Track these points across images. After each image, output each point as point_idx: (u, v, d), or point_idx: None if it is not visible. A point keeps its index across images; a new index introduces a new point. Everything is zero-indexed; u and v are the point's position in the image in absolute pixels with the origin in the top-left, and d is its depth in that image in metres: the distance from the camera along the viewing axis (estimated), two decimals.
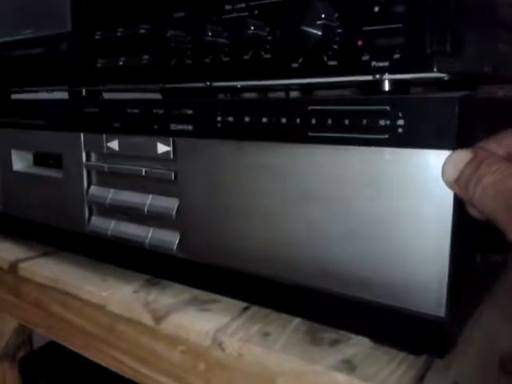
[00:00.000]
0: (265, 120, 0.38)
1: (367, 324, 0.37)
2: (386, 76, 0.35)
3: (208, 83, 0.44)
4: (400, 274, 0.34)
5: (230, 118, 0.40)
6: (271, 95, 0.61)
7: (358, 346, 0.39)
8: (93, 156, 0.53)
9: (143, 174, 0.48)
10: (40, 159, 0.62)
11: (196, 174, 0.44)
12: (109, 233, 0.52)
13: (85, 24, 0.50)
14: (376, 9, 0.32)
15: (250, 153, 0.39)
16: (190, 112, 0.42)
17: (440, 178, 0.32)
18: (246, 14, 0.38)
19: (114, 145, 0.50)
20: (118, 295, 0.49)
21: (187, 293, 0.48)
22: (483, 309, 0.44)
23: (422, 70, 0.32)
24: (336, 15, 0.34)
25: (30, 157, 0.63)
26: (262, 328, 0.42)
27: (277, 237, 0.39)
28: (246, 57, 0.38)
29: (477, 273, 0.42)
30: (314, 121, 0.35)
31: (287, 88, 0.55)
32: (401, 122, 0.32)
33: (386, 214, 0.34)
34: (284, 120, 0.37)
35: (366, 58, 0.33)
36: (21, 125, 0.59)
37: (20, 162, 0.62)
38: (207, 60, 0.40)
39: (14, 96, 0.69)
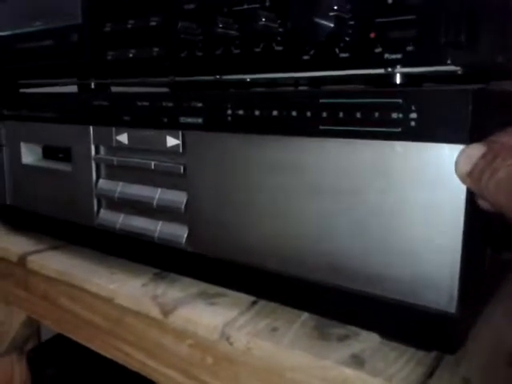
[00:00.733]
0: (275, 113, 0.37)
1: (377, 319, 0.37)
2: (398, 69, 0.34)
3: (218, 76, 0.44)
4: (411, 269, 0.34)
5: (241, 111, 0.39)
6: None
7: (366, 341, 0.39)
8: (102, 149, 0.53)
9: (152, 167, 0.48)
10: (49, 153, 0.62)
11: (205, 168, 0.44)
12: (117, 226, 0.52)
13: (95, 16, 0.49)
14: (389, 0, 0.32)
15: (258, 146, 0.39)
16: (199, 105, 0.42)
17: (453, 172, 0.31)
18: (257, 5, 0.38)
19: (124, 138, 0.49)
20: (127, 288, 0.49)
21: (195, 286, 0.48)
22: (493, 305, 0.43)
23: (435, 63, 0.31)
24: (348, 7, 0.34)
25: (39, 150, 0.63)
26: (270, 323, 0.42)
27: (286, 231, 0.39)
28: (257, 49, 0.38)
29: (487, 268, 0.41)
30: (325, 114, 0.35)
31: (296, 83, 0.55)
32: (413, 115, 0.31)
33: (397, 208, 0.34)
34: (295, 113, 0.36)
35: (378, 50, 0.32)
36: (30, 117, 0.59)
37: (29, 155, 0.62)
38: (218, 52, 0.40)
39: (23, 91, 0.69)
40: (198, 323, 0.43)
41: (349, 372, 0.35)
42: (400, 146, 0.32)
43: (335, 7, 0.33)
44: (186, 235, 0.47)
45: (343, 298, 0.37)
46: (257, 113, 0.38)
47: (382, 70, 0.35)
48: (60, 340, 0.81)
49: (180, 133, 0.45)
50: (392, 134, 0.32)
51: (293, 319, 0.42)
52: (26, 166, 0.62)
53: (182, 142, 0.45)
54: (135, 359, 0.50)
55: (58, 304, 0.57)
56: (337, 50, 0.34)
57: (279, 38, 0.37)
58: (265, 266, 0.41)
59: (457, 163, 0.31)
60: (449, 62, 0.31)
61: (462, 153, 0.30)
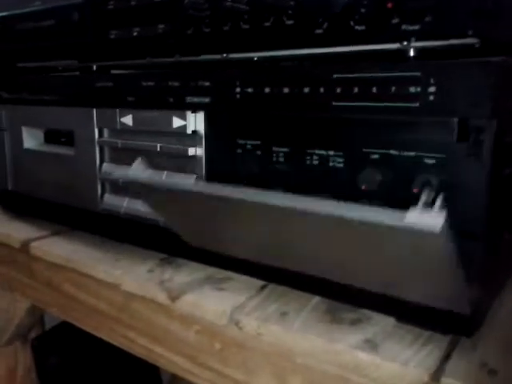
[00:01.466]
0: (286, 90, 0.36)
1: (392, 303, 0.36)
2: (414, 43, 0.33)
3: (225, 55, 0.42)
4: None
5: (250, 89, 0.38)
6: None
7: (379, 325, 0.38)
8: (106, 132, 0.52)
9: (158, 149, 0.47)
10: (51, 137, 0.61)
11: None
12: (122, 211, 0.51)
13: None
14: None
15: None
16: (206, 84, 0.41)
17: None
18: None
19: (128, 120, 0.48)
20: (133, 274, 0.48)
21: (203, 271, 0.47)
22: (509, 288, 0.42)
23: (455, 34, 0.30)
24: None
25: (40, 134, 0.62)
26: (279, 307, 0.41)
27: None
28: (267, 23, 0.36)
29: (503, 253, 0.40)
30: (338, 90, 0.34)
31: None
32: (432, 88, 0.30)
33: None
34: (307, 89, 0.35)
35: (395, 21, 0.31)
36: (31, 101, 0.58)
37: (31, 139, 0.61)
38: (226, 28, 0.39)
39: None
40: (205, 308, 0.42)
41: (362, 356, 0.34)
42: None
43: None
44: None
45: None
46: (267, 90, 0.37)
47: (397, 45, 0.34)
48: (64, 328, 0.80)
49: (187, 113, 0.43)
50: (410, 110, 0.31)
51: (303, 303, 0.41)
52: (28, 151, 0.61)
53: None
54: (141, 345, 0.49)
55: (62, 291, 0.56)
56: (352, 23, 0.33)
57: (290, 12, 0.35)
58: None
59: None
60: (470, 33, 0.29)
61: None
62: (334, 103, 0.34)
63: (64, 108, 0.55)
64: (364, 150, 0.36)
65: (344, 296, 0.39)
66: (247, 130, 0.42)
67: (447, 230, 0.25)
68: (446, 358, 0.34)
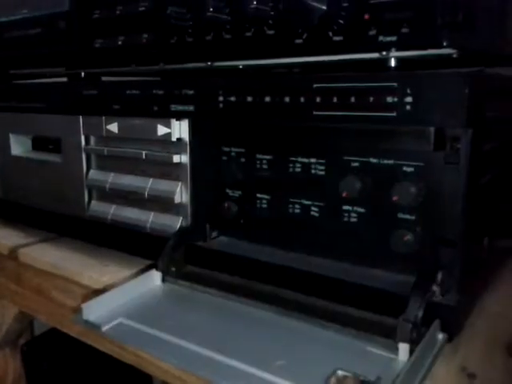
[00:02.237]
0: (268, 99, 0.37)
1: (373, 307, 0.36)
2: (393, 53, 0.34)
3: (209, 63, 0.43)
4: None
5: (232, 98, 0.38)
6: None
7: None
8: (92, 139, 0.52)
9: (143, 157, 0.47)
10: (39, 144, 0.61)
11: None
12: (109, 217, 0.51)
13: (82, 2, 0.48)
14: None
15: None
16: (190, 92, 0.41)
17: None
18: None
19: (114, 127, 0.48)
20: (120, 280, 0.48)
21: None
22: (489, 293, 0.43)
23: (431, 45, 0.31)
24: None
25: (28, 141, 0.62)
26: None
27: None
28: (249, 33, 0.37)
29: (483, 259, 0.41)
30: (318, 99, 0.34)
31: (289, 71, 0.54)
32: (409, 98, 0.31)
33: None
34: (288, 99, 0.36)
35: (372, 32, 0.32)
36: (19, 108, 0.58)
37: (18, 146, 0.61)
38: (208, 37, 0.39)
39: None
40: None
41: None
42: None
43: None
44: (178, 225, 0.46)
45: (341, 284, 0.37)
46: (249, 99, 0.37)
47: (376, 55, 0.34)
48: (53, 334, 0.80)
49: (171, 121, 0.44)
50: (387, 119, 0.32)
51: None
52: (16, 158, 0.61)
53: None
54: (130, 353, 0.49)
55: (50, 297, 0.56)
56: (330, 33, 0.33)
57: (271, 22, 0.36)
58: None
59: None
60: (445, 43, 0.30)
61: None
62: (314, 112, 0.35)
63: (51, 115, 0.55)
64: (345, 157, 0.36)
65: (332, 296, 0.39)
66: (231, 138, 0.42)
67: None
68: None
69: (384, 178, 0.35)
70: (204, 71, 0.45)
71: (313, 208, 0.39)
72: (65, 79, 0.60)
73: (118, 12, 0.45)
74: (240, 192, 0.43)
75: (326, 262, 0.39)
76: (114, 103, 0.47)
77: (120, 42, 0.45)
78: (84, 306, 0.37)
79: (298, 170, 0.39)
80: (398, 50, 0.33)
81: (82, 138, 0.52)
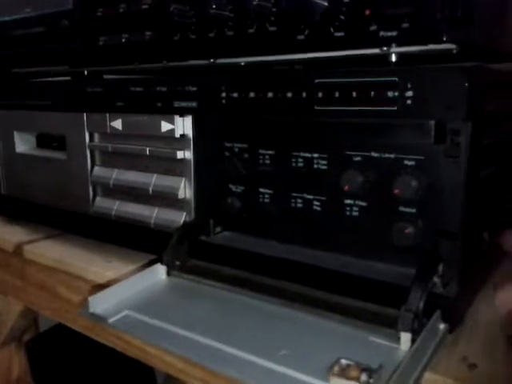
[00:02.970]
0: (270, 95, 0.37)
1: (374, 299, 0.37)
2: (394, 49, 0.34)
3: (211, 60, 0.43)
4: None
5: (235, 94, 0.39)
6: None
7: None
8: (96, 136, 0.53)
9: (147, 153, 0.48)
10: (43, 141, 0.61)
11: None
12: (113, 213, 0.52)
13: (86, 1, 0.49)
14: None
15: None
16: (193, 89, 0.42)
17: None
18: None
19: (118, 124, 0.49)
20: (124, 276, 0.48)
21: None
22: (489, 285, 0.43)
23: (430, 40, 0.31)
24: None
25: (32, 139, 0.62)
26: None
27: None
28: (251, 30, 0.37)
29: (483, 252, 0.41)
30: (320, 94, 0.35)
31: (291, 67, 0.54)
32: (409, 93, 0.31)
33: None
34: (290, 94, 0.36)
35: (373, 28, 0.32)
36: (23, 106, 0.58)
37: (23, 144, 0.62)
38: (211, 34, 0.40)
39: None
40: None
41: None
42: None
43: None
44: (182, 221, 0.47)
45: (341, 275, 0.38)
46: (251, 95, 0.38)
47: (377, 50, 0.35)
48: (58, 330, 0.81)
49: (175, 117, 0.44)
50: (388, 113, 0.32)
51: None
52: (20, 155, 0.61)
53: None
54: (135, 346, 0.50)
55: (55, 293, 0.56)
56: (332, 29, 0.34)
57: (273, 18, 0.36)
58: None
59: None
60: (445, 38, 0.30)
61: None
62: (316, 107, 0.35)
63: (55, 113, 0.55)
64: (347, 152, 0.37)
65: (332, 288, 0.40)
66: (234, 134, 0.43)
67: None
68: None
69: (385, 171, 0.35)
70: (206, 69, 0.46)
71: (315, 202, 0.39)
72: (68, 78, 0.61)
73: (121, 10, 0.45)
74: (243, 187, 0.44)
75: (328, 256, 0.39)
76: (117, 100, 0.48)
77: (123, 40, 0.45)
78: (90, 299, 0.38)
79: (301, 164, 0.39)
80: (398, 45, 0.34)
81: (87, 134, 0.53)
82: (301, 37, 0.35)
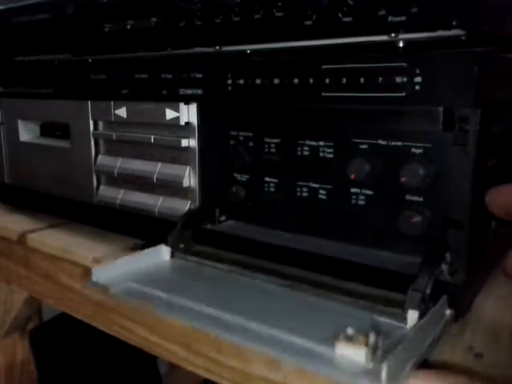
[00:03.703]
0: (276, 81, 0.37)
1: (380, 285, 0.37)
2: (402, 35, 0.34)
3: (217, 47, 0.43)
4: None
5: (241, 81, 0.39)
6: None
7: None
8: (100, 124, 0.52)
9: (152, 141, 0.47)
10: (47, 130, 0.61)
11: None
12: (118, 202, 0.52)
13: None
14: None
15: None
16: (199, 76, 0.41)
17: None
18: None
19: (122, 112, 0.49)
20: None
21: None
22: (496, 275, 0.43)
23: (440, 25, 0.31)
24: None
25: (36, 128, 0.62)
26: None
27: None
28: (258, 15, 0.37)
29: (491, 241, 0.41)
30: (327, 80, 0.34)
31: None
32: (418, 78, 0.31)
33: None
34: (296, 80, 0.36)
35: (382, 13, 0.32)
36: (27, 94, 0.58)
37: (27, 132, 0.62)
38: (217, 20, 0.39)
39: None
40: None
41: None
42: None
43: None
44: (187, 209, 0.46)
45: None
46: (258, 81, 0.38)
47: (385, 37, 0.34)
48: (62, 319, 0.81)
49: (180, 105, 0.44)
50: (396, 99, 0.32)
51: None
52: (24, 144, 0.61)
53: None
54: (138, 335, 0.50)
55: (58, 282, 0.56)
56: (340, 15, 0.33)
57: (280, 4, 0.36)
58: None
59: None
60: (454, 23, 0.30)
61: None
62: (323, 93, 0.35)
63: (59, 101, 0.55)
64: (353, 140, 0.36)
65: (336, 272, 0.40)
66: (239, 122, 0.43)
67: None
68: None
69: (392, 159, 0.35)
70: (211, 56, 0.45)
71: (321, 191, 0.39)
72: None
73: None
74: (248, 176, 0.43)
75: (334, 245, 0.39)
76: (122, 88, 0.47)
77: (129, 26, 0.45)
78: (94, 270, 0.38)
79: (306, 153, 0.39)
80: (406, 31, 0.33)
81: (91, 123, 0.52)
82: (308, 22, 0.35)
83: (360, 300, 0.34)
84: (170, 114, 0.45)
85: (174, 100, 0.44)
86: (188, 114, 0.45)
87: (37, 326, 0.81)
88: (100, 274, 0.38)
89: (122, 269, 0.40)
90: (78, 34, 0.50)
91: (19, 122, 0.61)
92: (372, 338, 0.28)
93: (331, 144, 0.38)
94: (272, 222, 0.43)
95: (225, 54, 0.44)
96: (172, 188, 0.48)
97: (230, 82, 0.40)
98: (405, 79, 0.31)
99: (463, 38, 0.34)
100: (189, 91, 0.43)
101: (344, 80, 0.34)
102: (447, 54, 0.30)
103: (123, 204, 0.51)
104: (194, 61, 0.43)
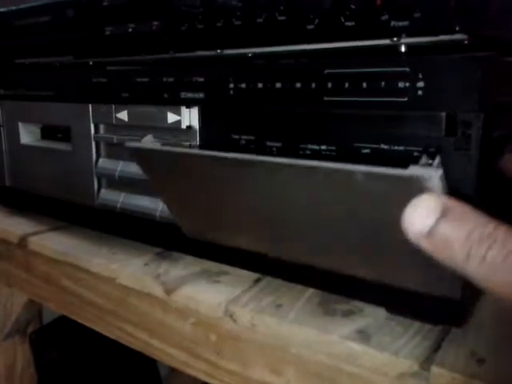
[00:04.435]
0: (278, 85, 0.37)
1: (383, 294, 0.37)
2: (404, 39, 0.34)
3: (219, 51, 0.43)
4: None
5: (243, 85, 0.39)
6: None
7: (371, 316, 0.38)
8: (101, 128, 0.52)
9: None
10: (47, 133, 0.61)
11: None
12: (118, 205, 0.52)
13: None
14: None
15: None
16: (200, 79, 0.41)
17: None
18: None
19: (123, 115, 0.49)
20: (129, 268, 0.48)
21: (198, 265, 0.48)
22: None
23: (443, 30, 0.31)
24: None
25: (37, 130, 0.62)
26: (274, 300, 0.41)
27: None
28: (260, 19, 0.37)
29: None
30: (330, 85, 0.34)
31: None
32: (421, 83, 0.31)
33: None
34: (299, 85, 0.36)
35: (385, 17, 0.32)
36: (28, 97, 0.58)
37: (27, 135, 0.62)
38: (219, 24, 0.39)
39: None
40: (201, 301, 0.43)
41: (355, 346, 0.35)
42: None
43: None
44: None
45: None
46: (260, 85, 0.38)
47: (387, 41, 0.34)
48: (62, 322, 0.81)
49: (181, 108, 0.44)
50: (399, 104, 0.32)
51: (297, 296, 0.42)
52: (25, 147, 0.61)
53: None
54: (138, 339, 0.50)
55: (59, 285, 0.56)
56: (342, 19, 0.33)
57: (282, 8, 0.36)
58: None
59: (407, 217, 0.24)
60: (457, 28, 0.30)
61: (413, 206, 0.24)
62: (325, 98, 0.35)
63: (60, 104, 0.55)
64: (355, 144, 0.36)
65: (336, 287, 0.40)
66: (241, 125, 0.42)
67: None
68: (437, 347, 0.34)
69: (395, 164, 0.34)
70: (213, 60, 0.45)
71: None
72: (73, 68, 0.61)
73: None
74: None
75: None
76: (123, 91, 0.47)
77: (130, 30, 0.45)
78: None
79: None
80: (409, 35, 0.33)
81: (92, 126, 0.52)
82: (311, 26, 0.35)
83: None
84: (171, 117, 0.45)
85: (176, 104, 0.44)
86: (189, 117, 0.45)
87: (37, 329, 0.80)
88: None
89: None
90: (80, 36, 0.50)
91: (20, 124, 0.61)
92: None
93: (333, 148, 0.37)
94: None
95: (226, 58, 0.44)
96: None
97: (231, 85, 0.39)
98: (407, 84, 0.31)
99: (466, 42, 0.34)
100: (190, 95, 0.43)
101: (346, 84, 0.33)
102: (450, 58, 0.30)
103: (124, 207, 0.51)
104: (196, 64, 0.43)
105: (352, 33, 0.33)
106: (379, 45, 0.35)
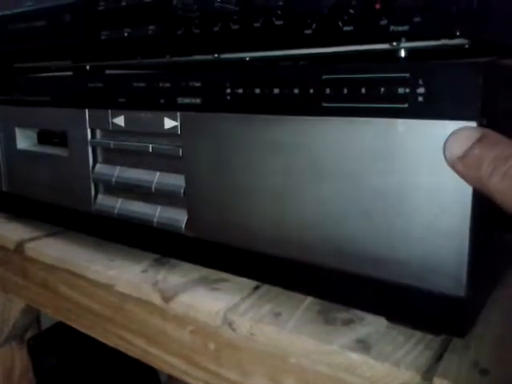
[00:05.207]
0: (276, 91, 0.36)
1: (384, 303, 0.36)
2: (404, 44, 0.33)
3: (216, 55, 0.42)
4: (418, 252, 0.33)
5: (240, 90, 0.38)
6: None
7: (371, 325, 0.38)
8: (98, 133, 0.52)
9: (150, 150, 0.47)
10: (44, 138, 0.61)
11: (203, 150, 0.42)
12: (115, 211, 0.51)
13: None
14: None
15: (258, 127, 0.37)
16: (197, 84, 0.41)
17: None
18: None
19: (120, 121, 0.48)
20: (127, 275, 0.48)
21: (196, 272, 0.47)
22: (502, 287, 0.42)
23: (443, 34, 0.30)
24: None
25: (34, 135, 0.61)
26: (273, 308, 0.41)
27: (288, 216, 0.38)
28: (257, 24, 0.36)
29: (495, 251, 0.40)
30: (328, 91, 0.33)
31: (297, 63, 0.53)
32: (421, 89, 0.30)
33: (401, 190, 0.32)
34: (296, 90, 0.35)
35: (384, 22, 0.31)
36: (24, 102, 0.58)
37: (24, 140, 0.61)
38: (216, 29, 0.38)
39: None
40: (199, 309, 0.42)
41: (355, 357, 0.34)
42: (403, 125, 0.31)
43: None
44: (185, 220, 0.46)
45: (349, 281, 0.36)
46: (257, 91, 0.37)
47: (386, 46, 0.34)
48: (60, 328, 0.81)
49: (178, 114, 0.43)
50: (398, 111, 0.31)
51: (296, 304, 0.41)
52: (22, 152, 0.60)
53: (179, 124, 0.44)
54: (137, 347, 0.49)
55: (57, 292, 0.56)
56: (340, 23, 0.33)
57: (279, 12, 0.35)
58: (267, 250, 0.40)
59: (447, 144, 0.29)
60: (458, 33, 0.29)
61: (453, 134, 0.29)
62: (323, 104, 0.34)
63: (57, 109, 0.54)
64: None
65: (335, 296, 0.39)
66: None
67: None
68: (439, 358, 0.34)
69: None
70: (210, 64, 0.45)
71: None
72: (69, 73, 0.60)
73: (123, 3, 0.44)
74: None
75: None
76: (119, 96, 0.47)
77: (126, 34, 0.44)
78: None
79: None
80: (408, 40, 0.32)
81: (88, 131, 0.52)
82: (308, 31, 0.34)
83: None
84: (168, 123, 0.44)
85: (173, 109, 0.43)
86: None
87: (35, 335, 0.80)
88: None
89: None
90: (76, 41, 0.49)
91: (16, 129, 0.61)
92: None
93: None
94: None
95: (223, 62, 0.43)
96: (170, 197, 0.47)
97: (228, 91, 0.39)
98: (407, 90, 0.30)
99: (466, 46, 0.33)
100: (187, 100, 0.42)
101: (345, 90, 0.33)
102: (451, 64, 0.30)
103: (121, 213, 0.51)
104: (193, 69, 0.43)
105: (350, 38, 0.33)
106: (378, 49, 0.34)
